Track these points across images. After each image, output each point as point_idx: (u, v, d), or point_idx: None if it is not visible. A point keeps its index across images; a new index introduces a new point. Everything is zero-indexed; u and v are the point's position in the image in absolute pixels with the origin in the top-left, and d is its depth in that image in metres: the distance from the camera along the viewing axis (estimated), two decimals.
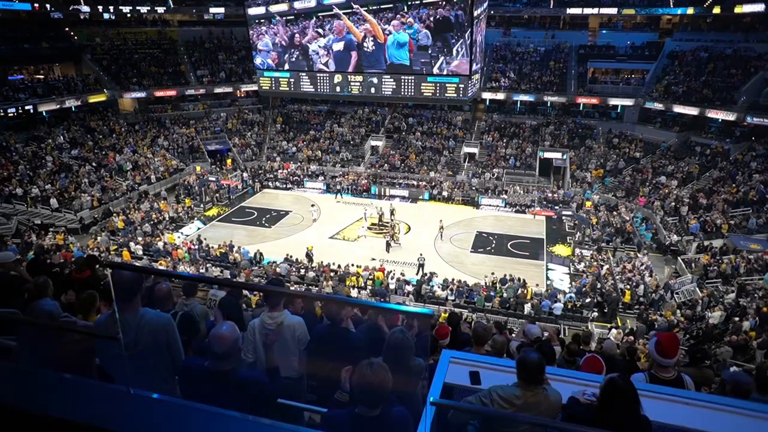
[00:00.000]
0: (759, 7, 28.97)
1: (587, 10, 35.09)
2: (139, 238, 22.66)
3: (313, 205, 26.04)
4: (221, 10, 38.77)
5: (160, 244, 22.40)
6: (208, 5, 39.34)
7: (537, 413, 2.62)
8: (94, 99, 32.59)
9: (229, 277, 19.79)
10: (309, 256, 21.28)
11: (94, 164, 28.74)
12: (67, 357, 2.78)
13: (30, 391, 2.06)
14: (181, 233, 24.75)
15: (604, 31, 36.64)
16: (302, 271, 20.19)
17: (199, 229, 25.82)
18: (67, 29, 35.69)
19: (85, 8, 35.03)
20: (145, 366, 2.84)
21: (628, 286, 19.41)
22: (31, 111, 29.36)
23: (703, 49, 32.40)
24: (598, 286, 19.40)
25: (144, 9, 37.56)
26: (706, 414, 2.69)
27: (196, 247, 22.34)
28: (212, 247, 22.28)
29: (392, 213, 26.38)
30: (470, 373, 3.02)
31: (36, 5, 32.36)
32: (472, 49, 17.52)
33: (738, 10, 30.17)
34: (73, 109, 32.11)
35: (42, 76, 33.79)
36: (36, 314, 3.03)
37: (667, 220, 24.66)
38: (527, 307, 18.05)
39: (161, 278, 4.62)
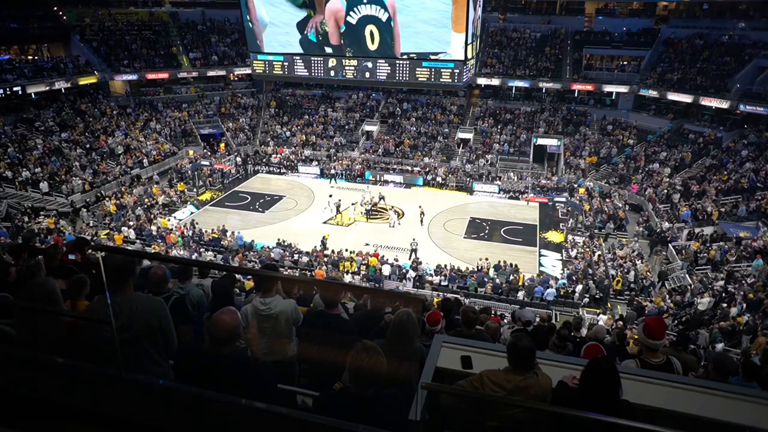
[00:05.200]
0: None
1: None
2: (131, 222, 22.56)
3: (330, 196, 25.75)
4: None
5: (153, 229, 22.31)
6: None
7: (528, 397, 2.65)
8: (84, 81, 32.09)
9: (222, 262, 19.79)
10: (324, 243, 21.29)
11: (86, 147, 28.44)
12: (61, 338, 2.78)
13: (23, 374, 2.06)
14: (174, 217, 24.63)
15: (600, 17, 36.41)
16: (296, 256, 20.21)
17: (192, 213, 25.70)
18: (55, 8, 34.97)
19: None
20: (138, 350, 2.84)
21: (620, 273, 19.60)
22: (20, 92, 28.86)
23: (699, 36, 32.32)
24: (590, 272, 19.58)
25: None
26: (693, 397, 2.74)
27: (189, 231, 22.26)
28: (205, 232, 22.22)
29: (382, 199, 26.44)
30: (462, 357, 3.05)
31: None
32: (467, 31, 17.34)
33: None
34: (63, 91, 31.61)
35: (30, 57, 33.19)
36: (33, 292, 3.01)
37: (659, 207, 24.82)
38: (520, 294, 18.20)
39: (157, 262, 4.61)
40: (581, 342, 6.32)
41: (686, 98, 29.67)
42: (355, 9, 15.48)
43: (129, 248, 19.02)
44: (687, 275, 18.92)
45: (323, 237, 21.68)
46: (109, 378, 2.04)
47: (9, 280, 4.23)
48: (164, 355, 2.99)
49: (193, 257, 19.78)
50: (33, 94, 30.14)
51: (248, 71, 33.46)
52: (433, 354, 3.03)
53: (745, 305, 15.43)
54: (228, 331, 2.72)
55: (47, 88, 30.17)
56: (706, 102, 28.85)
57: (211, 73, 37.13)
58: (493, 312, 10.29)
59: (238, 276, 9.55)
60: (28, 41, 33.79)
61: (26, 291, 3.07)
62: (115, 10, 37.70)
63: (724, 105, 27.97)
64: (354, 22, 15.75)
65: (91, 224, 22.62)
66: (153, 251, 19.81)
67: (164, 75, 35.52)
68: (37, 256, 5.60)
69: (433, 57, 17.37)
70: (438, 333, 4.55)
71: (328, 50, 18.13)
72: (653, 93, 31.43)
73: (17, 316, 3.07)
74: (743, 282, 17.21)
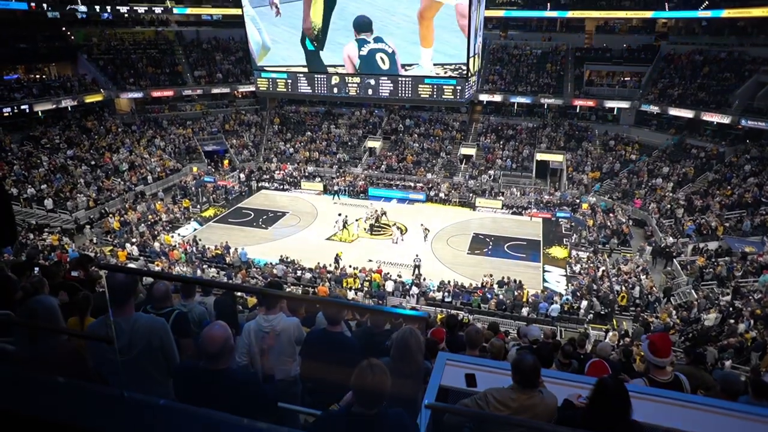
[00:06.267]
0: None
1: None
2: (134, 239, 22.61)
3: (339, 214, 25.66)
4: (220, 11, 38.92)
5: (157, 245, 22.34)
6: (206, 6, 39.45)
7: (532, 416, 2.62)
8: (90, 99, 32.45)
9: (226, 278, 19.77)
10: (337, 260, 21.27)
11: (91, 164, 28.65)
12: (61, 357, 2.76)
13: (23, 393, 2.05)
14: (178, 234, 24.68)
15: (600, 34, 36.75)
16: (299, 273, 20.18)
17: (195, 230, 25.75)
18: (63, 29, 35.55)
19: (82, 8, 34.91)
20: (139, 369, 2.82)
21: (624, 288, 19.47)
22: (27, 111, 29.20)
23: (698, 53, 32.56)
24: (594, 288, 19.45)
25: (141, 9, 37.51)
26: (701, 416, 2.69)
27: (192, 248, 22.27)
28: (209, 248, 22.23)
29: (384, 215, 26.47)
30: (466, 375, 3.02)
31: (33, 4, 32.19)
32: (469, 49, 17.53)
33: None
34: (69, 109, 31.97)
35: (38, 76, 33.64)
36: (34, 309, 3.00)
37: (663, 222, 24.74)
38: (524, 310, 18.08)
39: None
40: (586, 359, 6.25)
41: (687, 113, 29.78)
42: (364, 47, 17.24)
43: (131, 266, 19.04)
44: (693, 291, 18.78)
45: (336, 254, 21.65)
46: (110, 397, 2.02)
47: (16, 297, 4.22)
48: (165, 374, 2.97)
49: (196, 273, 19.79)
50: (40, 112, 30.49)
51: (252, 89, 33.77)
52: (437, 372, 3.01)
53: (752, 321, 15.26)
54: (219, 345, 2.70)
55: (54, 106, 30.51)
56: (708, 117, 28.94)
57: (215, 91, 37.54)
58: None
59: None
60: (36, 61, 34.28)
61: (25, 308, 3.06)
62: (121, 29, 38.28)
63: (726, 120, 28.04)
64: (366, 53, 17.39)
65: (94, 240, 22.69)
66: (156, 267, 19.82)
67: (169, 93, 35.91)
68: (40, 273, 5.61)
69: (433, 73, 17.81)
70: (441, 350, 4.51)
71: (326, 59, 18.52)
72: (654, 108, 31.56)
73: (16, 333, 3.06)
74: (750, 297, 17.06)
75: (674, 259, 21.60)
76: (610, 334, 15.87)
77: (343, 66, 18.29)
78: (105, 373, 2.78)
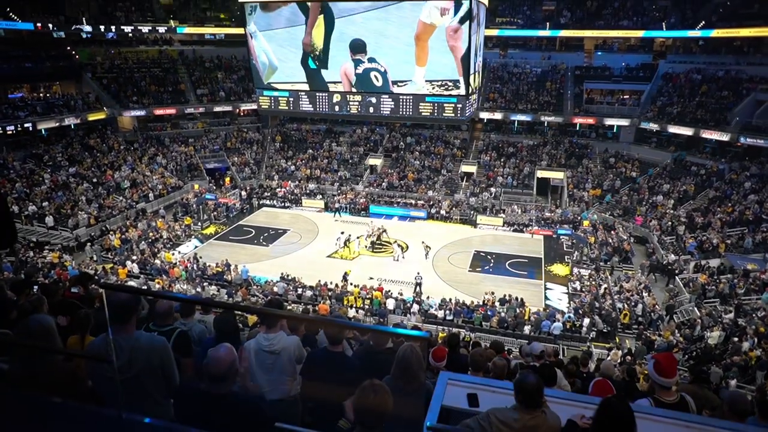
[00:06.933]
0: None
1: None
2: (135, 257, 22.58)
3: (342, 232, 25.57)
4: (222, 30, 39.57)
5: (157, 263, 22.29)
6: (209, 25, 40.09)
7: None
8: (93, 117, 32.69)
9: (226, 296, 19.69)
10: (345, 278, 21.22)
11: (93, 181, 28.75)
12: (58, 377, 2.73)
13: (21, 414, 2.02)
14: (178, 251, 24.65)
15: (599, 53, 37.17)
16: (299, 290, 20.10)
17: (196, 247, 25.72)
18: (68, 48, 36.04)
19: (87, 28, 35.44)
20: (139, 389, 2.79)
21: (627, 306, 19.34)
22: (30, 129, 29.42)
23: (696, 71, 32.88)
24: (597, 305, 19.33)
25: (146, 29, 38.07)
26: None
27: (193, 266, 22.22)
28: (209, 266, 22.18)
29: (384, 232, 26.46)
30: (468, 395, 2.98)
31: (39, 25, 32.74)
32: (469, 69, 17.80)
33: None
34: (72, 127, 32.21)
35: (42, 95, 33.98)
36: (30, 328, 2.97)
37: (665, 239, 24.70)
38: (526, 328, 17.95)
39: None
40: (589, 378, 6.18)
41: (687, 131, 29.95)
42: (359, 66, 18.50)
43: (132, 284, 18.98)
44: (695, 308, 18.66)
45: (345, 272, 21.60)
46: (108, 419, 2.00)
47: (11, 317, 4.20)
48: (165, 395, 2.94)
49: (197, 291, 19.72)
50: (43, 130, 30.72)
51: (254, 107, 34.11)
52: (439, 391, 2.97)
53: (756, 339, 15.13)
54: (224, 369, 2.68)
55: (57, 124, 30.75)
56: (707, 135, 29.10)
57: (217, 109, 37.86)
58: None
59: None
60: (41, 80, 34.67)
61: (21, 327, 3.04)
62: (126, 48, 38.78)
63: (725, 137, 28.19)
64: (361, 71, 18.58)
65: (94, 258, 22.66)
66: (157, 285, 19.76)
67: (172, 111, 36.21)
68: (39, 292, 5.59)
69: (430, 92, 18.35)
70: (443, 369, 4.47)
71: (327, 76, 18.99)
72: (654, 126, 31.77)
73: (11, 353, 3.03)
74: (753, 315, 16.93)
75: (676, 277, 21.51)
76: (613, 352, 15.71)
77: (341, 83, 19.04)
78: (104, 393, 2.75)
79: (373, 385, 2.42)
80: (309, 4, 17.94)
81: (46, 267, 19.55)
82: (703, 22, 32.02)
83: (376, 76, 18.48)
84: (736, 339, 15.53)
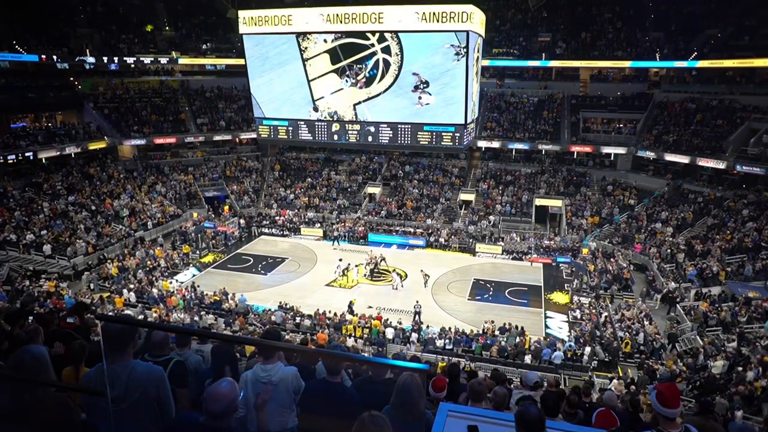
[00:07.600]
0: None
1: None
2: (132, 285, 22.41)
3: (341, 260, 25.51)
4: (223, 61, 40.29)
5: (155, 291, 22.12)
6: (209, 56, 40.84)
7: None
8: (94, 146, 32.96)
9: (224, 325, 19.46)
10: (350, 308, 21.07)
11: (92, 209, 28.76)
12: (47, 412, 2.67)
13: None
14: (176, 280, 24.48)
15: (594, 83, 37.81)
16: (298, 319, 19.90)
17: (194, 275, 25.57)
18: (71, 79, 36.60)
19: (91, 59, 36.08)
20: (134, 421, 2.73)
21: (628, 334, 19.14)
22: (31, 158, 29.61)
23: (691, 100, 33.41)
24: (598, 334, 19.13)
25: (148, 60, 38.76)
26: None
27: (191, 294, 22.04)
28: (207, 294, 22.00)
29: (383, 260, 26.37)
30: (468, 427, 2.92)
31: (43, 57, 33.32)
32: (467, 99, 18.08)
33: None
34: (73, 155, 32.42)
35: (44, 124, 34.32)
36: (21, 360, 2.92)
37: (664, 267, 24.62)
38: (527, 357, 17.71)
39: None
40: (591, 408, 6.07)
41: (683, 159, 30.22)
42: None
43: (128, 313, 18.80)
44: (698, 337, 18.47)
45: (350, 302, 21.45)
46: None
47: (2, 348, 4.14)
48: (160, 426, 2.88)
49: (194, 320, 19.50)
50: (43, 159, 30.90)
51: (253, 135, 34.41)
52: (439, 424, 2.91)
53: (761, 369, 14.91)
54: (224, 404, 2.61)
55: (58, 153, 30.96)
56: (704, 162, 29.36)
57: (217, 138, 38.22)
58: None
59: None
60: (43, 110, 35.11)
61: (13, 359, 2.98)
62: (128, 79, 39.38)
63: (721, 165, 28.43)
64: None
65: (91, 287, 22.49)
66: (154, 314, 19.55)
67: (172, 140, 36.54)
68: (34, 321, 5.52)
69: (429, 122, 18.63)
70: (443, 400, 4.39)
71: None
72: (650, 154, 32.08)
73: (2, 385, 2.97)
74: (757, 344, 16.74)
75: (677, 305, 21.36)
76: (615, 381, 15.48)
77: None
78: (98, 425, 2.69)
79: (372, 417, 2.37)
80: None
81: (42, 296, 19.38)
82: (696, 53, 32.72)
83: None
84: (740, 368, 15.33)
